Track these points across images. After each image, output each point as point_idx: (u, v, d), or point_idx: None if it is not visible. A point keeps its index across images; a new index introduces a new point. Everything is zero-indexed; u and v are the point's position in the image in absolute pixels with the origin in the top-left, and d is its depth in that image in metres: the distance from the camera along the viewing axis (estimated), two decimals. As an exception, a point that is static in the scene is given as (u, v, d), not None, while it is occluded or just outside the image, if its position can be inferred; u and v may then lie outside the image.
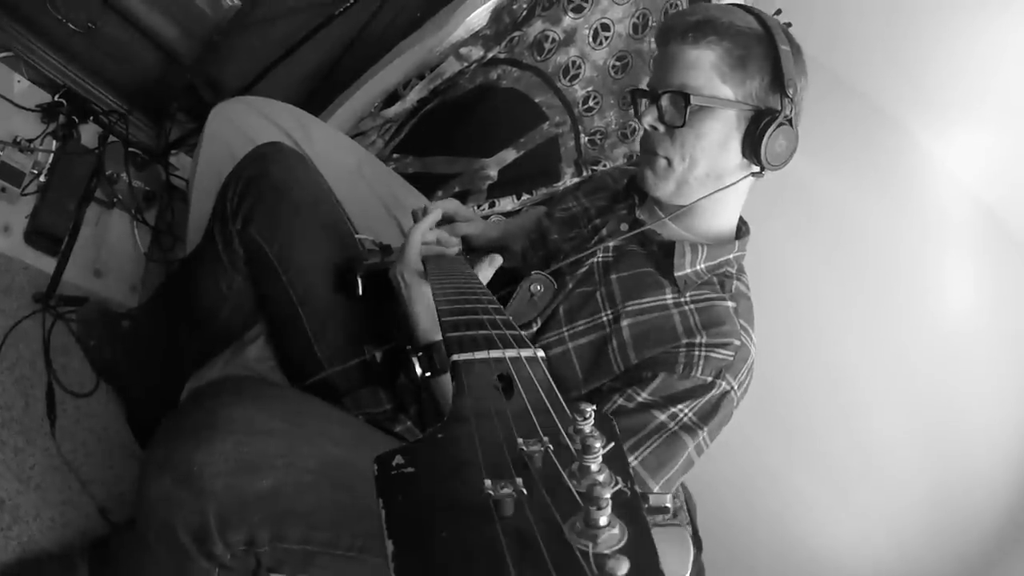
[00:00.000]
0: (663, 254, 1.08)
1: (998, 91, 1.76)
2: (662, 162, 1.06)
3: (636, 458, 0.96)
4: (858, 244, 1.95)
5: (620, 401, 0.98)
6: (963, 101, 1.80)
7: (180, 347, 1.30)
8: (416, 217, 1.16)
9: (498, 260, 0.99)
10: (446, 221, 1.23)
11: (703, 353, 0.99)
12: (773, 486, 2.02)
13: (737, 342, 1.01)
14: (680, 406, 0.97)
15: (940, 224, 1.88)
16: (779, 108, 1.02)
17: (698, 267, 1.07)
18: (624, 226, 1.15)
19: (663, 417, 0.97)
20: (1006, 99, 1.76)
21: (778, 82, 1.01)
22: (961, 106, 1.81)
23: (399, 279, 1.00)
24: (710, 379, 0.99)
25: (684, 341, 1.00)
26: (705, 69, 1.00)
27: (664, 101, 1.03)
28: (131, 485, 1.34)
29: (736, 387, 1.01)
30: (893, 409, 1.93)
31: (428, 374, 0.74)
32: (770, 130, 1.00)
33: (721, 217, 1.12)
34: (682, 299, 1.05)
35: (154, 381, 1.34)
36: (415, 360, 0.75)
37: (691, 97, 0.99)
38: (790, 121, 1.01)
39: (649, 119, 1.05)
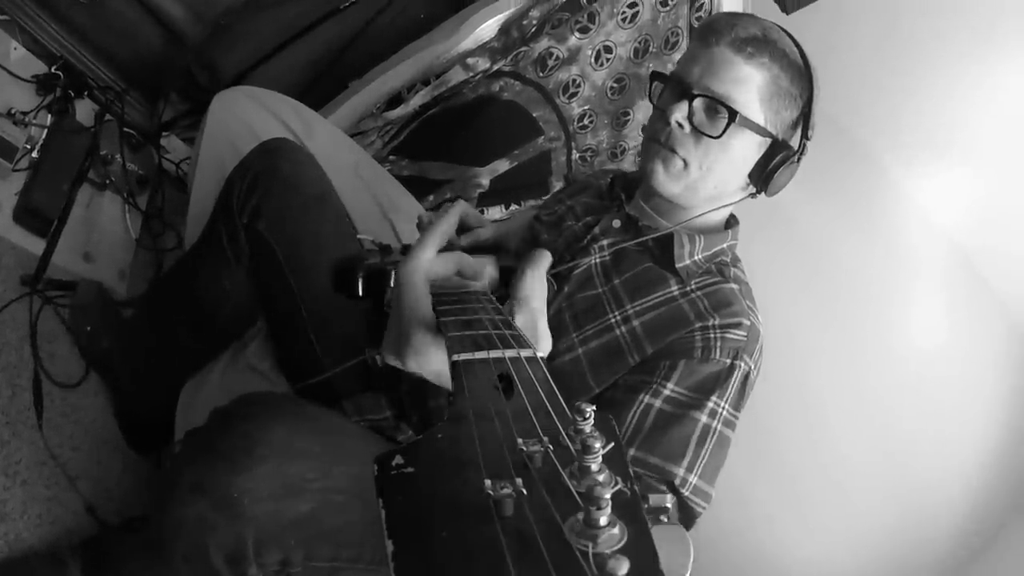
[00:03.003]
0: (660, 248, 1.08)
1: (977, 137, 1.82)
2: (679, 163, 1.03)
3: (696, 474, 0.93)
4: (835, 275, 2.00)
5: (647, 399, 0.96)
6: (943, 145, 1.87)
7: (178, 344, 1.27)
8: (421, 224, 1.08)
9: (536, 274, 0.73)
10: (461, 228, 1.14)
11: (719, 334, 0.99)
12: (738, 503, 2.03)
13: (747, 322, 1.01)
14: (714, 398, 0.96)
15: (913, 262, 1.95)
16: (795, 146, 1.04)
17: (697, 257, 1.07)
18: (616, 222, 1.13)
19: (704, 418, 0.95)
20: (984, 146, 1.82)
21: (803, 121, 1.04)
22: (940, 150, 1.88)
23: (420, 373, 0.65)
24: (730, 361, 0.98)
25: (697, 324, 1.00)
26: (751, 89, 0.99)
27: (698, 103, 1.00)
28: (119, 481, 1.31)
29: (753, 367, 1.01)
30: (858, 437, 1.98)
31: None
32: (784, 166, 1.02)
33: (712, 214, 1.12)
34: (687, 288, 1.05)
35: (148, 377, 1.31)
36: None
37: (738, 116, 0.98)
38: (798, 159, 1.04)
39: (679, 116, 1.01)
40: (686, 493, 0.93)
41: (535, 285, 0.65)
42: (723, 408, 0.97)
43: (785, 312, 1.92)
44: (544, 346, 0.64)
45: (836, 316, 1.98)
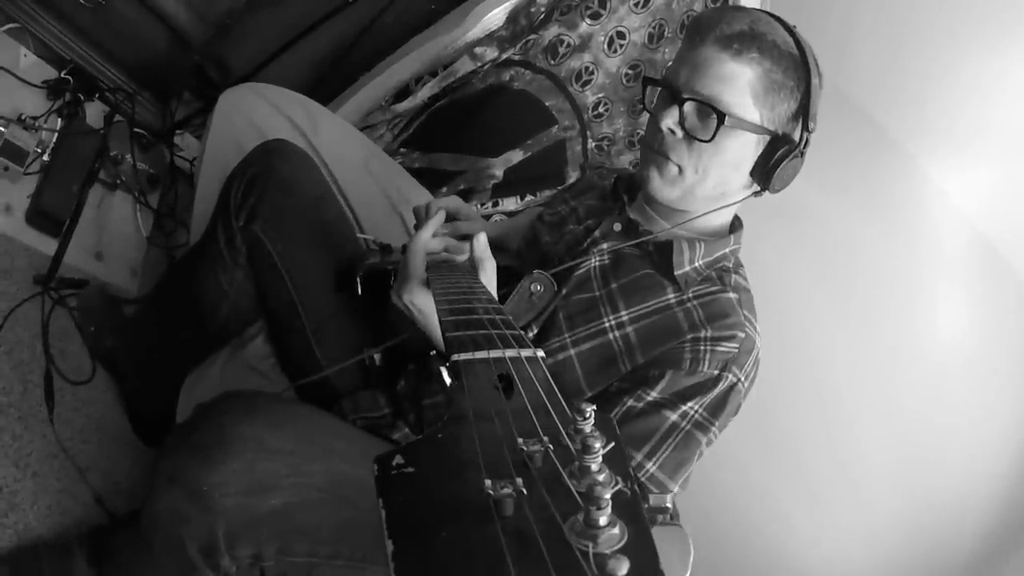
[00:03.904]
0: (660, 254, 1.07)
1: (1005, 125, 1.77)
2: (673, 168, 1.02)
3: (655, 463, 0.97)
4: (852, 266, 1.96)
5: (630, 402, 0.98)
6: (968, 132, 1.81)
7: (179, 340, 1.29)
8: (418, 215, 1.15)
9: (483, 237, 0.93)
10: (448, 219, 1.23)
11: (708, 347, 0.99)
12: (754, 500, 2.04)
13: (742, 334, 1.00)
14: (690, 403, 0.98)
15: (935, 252, 1.89)
16: (797, 139, 1.01)
17: (697, 264, 1.06)
18: (617, 226, 1.13)
19: (675, 417, 0.97)
20: (1011, 134, 1.77)
21: (802, 112, 1.00)
22: (966, 136, 1.82)
23: (408, 307, 0.90)
24: (717, 372, 0.99)
25: (689, 336, 1.00)
26: (740, 86, 0.96)
27: (689, 107, 0.99)
28: (127, 474, 1.34)
29: (743, 378, 1.01)
30: (877, 432, 1.95)
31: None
32: (786, 161, 1.00)
33: (715, 216, 1.10)
34: (684, 296, 1.04)
35: (152, 372, 1.33)
36: (443, 371, 0.76)
37: (726, 118, 0.96)
38: (802, 152, 1.02)
39: (669, 122, 0.99)
40: (642, 479, 0.96)
41: (484, 251, 0.92)
42: (696, 411, 0.98)
43: (801, 306, 1.89)
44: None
45: (853, 309, 1.94)
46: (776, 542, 2.05)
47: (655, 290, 1.05)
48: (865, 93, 1.79)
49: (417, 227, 1.24)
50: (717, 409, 0.99)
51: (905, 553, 1.93)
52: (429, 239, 0.95)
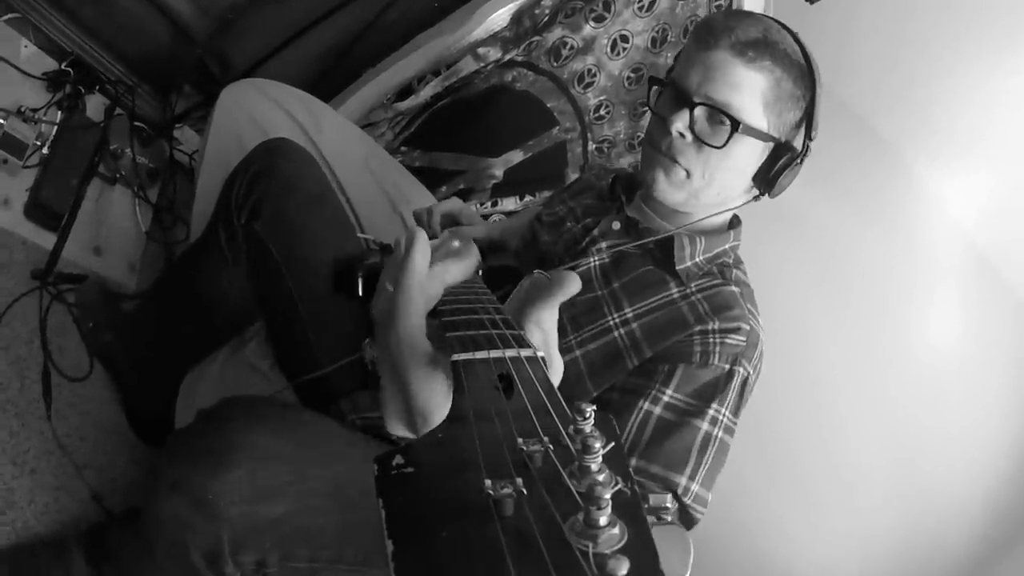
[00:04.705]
0: (660, 250, 1.07)
1: (1004, 131, 1.77)
2: (680, 172, 1.02)
3: (697, 482, 0.94)
4: (849, 273, 1.97)
5: (646, 406, 0.96)
6: (965, 142, 1.82)
7: (179, 338, 1.28)
8: (419, 219, 1.13)
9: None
10: (450, 222, 1.21)
11: (718, 339, 0.98)
12: (748, 504, 2.03)
13: (747, 326, 1.00)
14: (714, 406, 0.96)
15: (932, 257, 1.91)
16: (799, 147, 1.02)
17: (698, 259, 1.06)
18: (616, 225, 1.13)
19: (705, 426, 0.95)
20: (1009, 144, 1.78)
21: (806, 121, 1.02)
22: (964, 142, 1.82)
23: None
24: (728, 367, 0.98)
25: (697, 328, 0.99)
26: (753, 94, 0.96)
27: (699, 112, 0.98)
28: (124, 471, 1.33)
29: (752, 372, 1.01)
30: (872, 436, 1.95)
31: None
32: (789, 168, 1.01)
33: (715, 217, 1.11)
34: (687, 290, 1.04)
35: (151, 369, 1.32)
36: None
37: (740, 125, 0.96)
38: (802, 160, 1.03)
39: (679, 125, 0.99)
40: (688, 501, 0.93)
41: (555, 311, 0.56)
42: (724, 415, 0.97)
43: (797, 310, 1.89)
44: (556, 369, 0.54)
45: (850, 314, 1.95)
46: (769, 546, 2.05)
47: (658, 286, 1.05)
48: (864, 98, 1.80)
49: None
50: (738, 408, 0.99)
51: (900, 556, 1.94)
52: (424, 266, 0.54)
